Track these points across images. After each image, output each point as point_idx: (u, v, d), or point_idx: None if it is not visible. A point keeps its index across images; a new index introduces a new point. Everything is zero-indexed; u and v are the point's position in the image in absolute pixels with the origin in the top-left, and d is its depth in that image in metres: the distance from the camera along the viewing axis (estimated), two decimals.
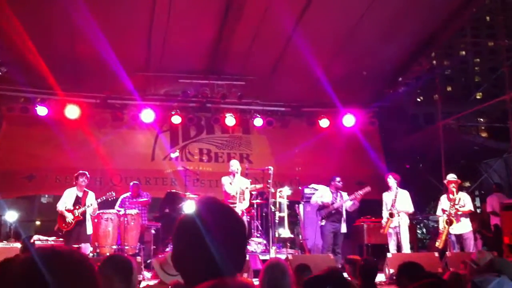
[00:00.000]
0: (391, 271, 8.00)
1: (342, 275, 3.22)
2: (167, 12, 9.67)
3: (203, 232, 1.56)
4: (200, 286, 1.33)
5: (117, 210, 9.71)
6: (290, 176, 12.77)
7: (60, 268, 1.30)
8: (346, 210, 9.83)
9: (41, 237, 9.91)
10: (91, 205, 9.24)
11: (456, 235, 9.24)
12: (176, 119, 12.30)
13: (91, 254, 9.03)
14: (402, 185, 9.88)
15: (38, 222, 21.48)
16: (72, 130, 11.98)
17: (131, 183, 10.75)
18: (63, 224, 9.14)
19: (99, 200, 9.39)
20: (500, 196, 11.96)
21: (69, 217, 9.11)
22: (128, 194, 10.55)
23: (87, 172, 9.55)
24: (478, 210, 14.51)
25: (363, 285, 4.84)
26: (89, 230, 9.32)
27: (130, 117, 12.28)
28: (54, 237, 9.67)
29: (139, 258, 8.24)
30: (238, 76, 11.84)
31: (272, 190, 10.08)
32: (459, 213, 9.13)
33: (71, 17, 9.44)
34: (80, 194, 9.36)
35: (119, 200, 10.40)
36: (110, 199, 9.79)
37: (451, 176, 9.46)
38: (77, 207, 9.20)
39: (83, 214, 9.20)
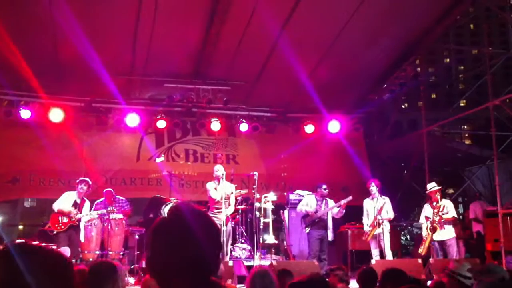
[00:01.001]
0: None
1: (325, 281, 3.22)
2: (152, 16, 9.63)
3: (180, 233, 1.58)
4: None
5: (99, 215, 9.55)
6: (276, 179, 12.83)
7: (33, 259, 1.44)
8: (332, 217, 9.87)
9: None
10: (88, 215, 9.21)
11: (439, 242, 9.30)
12: (161, 124, 12.24)
13: (73, 260, 8.94)
14: (384, 191, 9.93)
15: (20, 227, 21.22)
16: (56, 133, 11.84)
17: (104, 190, 10.25)
18: (56, 225, 9.05)
19: (99, 212, 9.34)
20: (482, 204, 12.10)
21: (65, 219, 9.04)
22: (102, 199, 10.08)
23: (89, 181, 9.48)
24: (461, 217, 14.64)
25: None
26: (82, 237, 9.26)
27: (115, 121, 12.20)
28: (37, 242, 9.53)
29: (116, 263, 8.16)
30: (223, 81, 11.83)
31: (257, 195, 10.07)
32: (443, 220, 9.19)
33: (54, 19, 9.37)
34: (78, 201, 9.35)
35: (94, 205, 9.96)
36: (106, 212, 9.63)
37: (432, 186, 9.55)
38: (75, 212, 9.15)
39: (79, 220, 9.16)
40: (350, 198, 9.74)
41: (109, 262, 3.86)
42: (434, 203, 9.35)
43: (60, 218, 9.09)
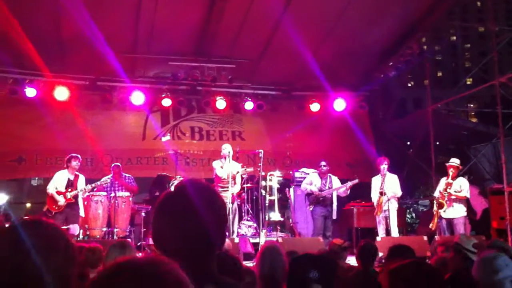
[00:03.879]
0: (380, 254, 8.04)
1: (332, 260, 3.21)
2: None
3: (184, 208, 1.59)
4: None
5: (107, 192, 9.67)
6: (282, 156, 12.85)
7: (38, 233, 1.48)
8: (337, 196, 9.89)
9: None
10: (84, 189, 9.23)
11: (447, 219, 9.29)
12: (166, 102, 12.20)
13: (81, 236, 9.02)
14: (391, 169, 9.92)
15: (28, 204, 21.41)
16: (61, 111, 11.83)
17: (112, 165, 10.48)
18: (53, 206, 9.11)
19: (93, 185, 9.38)
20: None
21: (61, 200, 9.09)
22: (110, 176, 10.06)
23: (79, 156, 9.50)
24: None
25: (362, 268, 4.83)
26: (81, 212, 9.32)
27: (119, 99, 12.15)
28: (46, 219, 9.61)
29: (129, 241, 8.24)
30: (228, 59, 11.75)
31: (263, 173, 10.09)
32: (452, 197, 9.16)
33: None
34: (72, 177, 9.33)
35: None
36: (105, 185, 9.76)
37: (452, 161, 9.48)
38: (69, 190, 9.17)
39: (75, 197, 9.19)
40: (356, 180, 9.76)
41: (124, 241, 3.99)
42: (447, 180, 9.32)
43: (56, 198, 9.12)
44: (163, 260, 1.15)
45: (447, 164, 9.52)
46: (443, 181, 9.52)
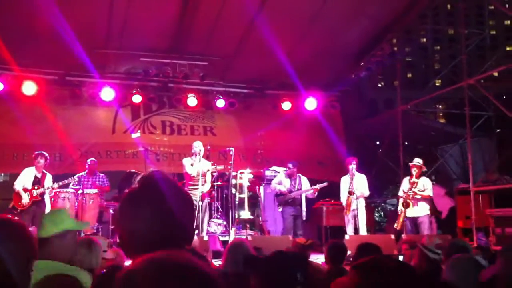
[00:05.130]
0: (349, 252, 8.12)
1: (307, 260, 3.20)
2: None
3: (150, 204, 1.53)
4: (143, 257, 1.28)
5: (75, 189, 9.56)
6: (253, 153, 12.84)
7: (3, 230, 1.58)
8: (306, 197, 9.95)
9: None
10: (50, 187, 9.13)
11: (410, 218, 9.43)
12: (137, 98, 12.10)
13: None
14: (361, 168, 10.03)
15: None
16: (30, 106, 11.59)
17: (88, 160, 10.46)
18: (19, 203, 8.99)
19: (60, 183, 9.27)
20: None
21: (26, 197, 8.97)
22: (84, 173, 10.28)
23: (46, 153, 9.37)
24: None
25: (332, 269, 4.85)
26: (48, 210, 9.18)
27: (89, 94, 11.97)
28: (9, 216, 9.45)
29: (96, 238, 8.15)
30: (200, 56, 11.70)
31: (234, 173, 10.09)
32: (417, 196, 9.31)
33: None
34: (39, 175, 9.24)
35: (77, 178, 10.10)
36: (72, 183, 9.68)
37: (415, 160, 9.62)
38: (36, 187, 9.05)
39: (42, 194, 9.08)
40: (325, 184, 9.87)
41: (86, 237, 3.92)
42: (412, 179, 9.46)
43: (22, 195, 9.00)
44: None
45: (410, 164, 9.68)
46: (406, 180, 9.67)
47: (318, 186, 9.80)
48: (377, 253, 4.55)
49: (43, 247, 2.61)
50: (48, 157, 9.39)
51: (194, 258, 1.19)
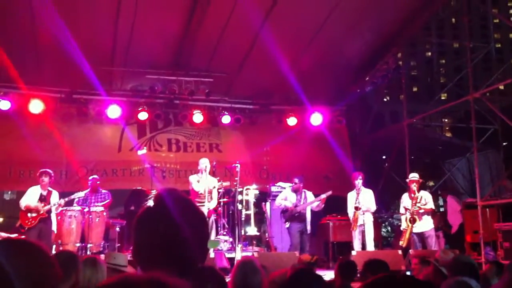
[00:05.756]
0: None
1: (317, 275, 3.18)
2: (134, 4, 9.52)
3: (164, 222, 1.55)
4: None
5: (81, 207, 9.55)
6: (259, 168, 12.82)
7: (15, 253, 1.41)
8: (312, 210, 9.88)
9: (2, 234, 9.68)
10: (56, 204, 9.13)
11: (417, 234, 9.34)
12: (143, 115, 12.14)
13: (53, 252, 8.85)
14: (367, 183, 9.98)
15: (0, 219, 21.00)
16: (36, 124, 11.65)
17: (90, 177, 10.39)
18: (26, 221, 8.99)
19: (66, 199, 9.26)
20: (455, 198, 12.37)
21: (33, 214, 8.97)
22: (87, 191, 10.10)
23: (50, 171, 9.39)
24: (441, 209, 14.79)
25: (342, 284, 4.83)
26: (54, 227, 9.20)
27: (95, 112, 12.05)
28: (16, 234, 9.46)
29: (103, 256, 8.12)
30: (206, 72, 11.76)
31: (240, 189, 10.06)
32: (421, 211, 9.25)
33: (32, 6, 9.22)
34: (45, 193, 9.25)
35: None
36: (77, 198, 9.67)
37: (412, 176, 9.59)
38: (42, 204, 9.06)
39: (49, 211, 9.09)
40: (330, 192, 9.75)
41: (70, 252, 3.88)
42: (412, 195, 9.40)
43: (28, 214, 9.02)
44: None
45: (408, 180, 9.63)
46: (406, 197, 9.60)
47: (324, 195, 9.68)
48: (384, 269, 4.53)
49: None
50: (52, 175, 9.40)
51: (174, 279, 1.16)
